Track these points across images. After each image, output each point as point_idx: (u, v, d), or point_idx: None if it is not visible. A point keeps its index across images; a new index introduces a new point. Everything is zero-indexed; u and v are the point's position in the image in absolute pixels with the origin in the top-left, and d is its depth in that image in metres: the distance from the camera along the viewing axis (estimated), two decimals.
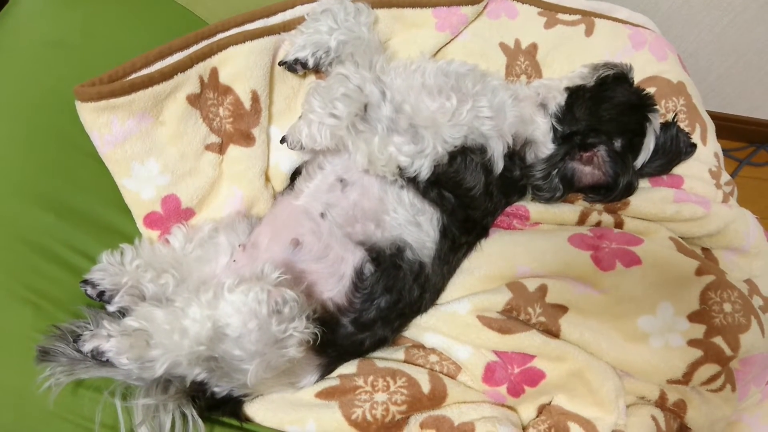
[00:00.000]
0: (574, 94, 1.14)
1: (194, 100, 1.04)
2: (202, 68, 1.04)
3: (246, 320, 0.85)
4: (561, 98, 1.14)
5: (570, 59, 1.28)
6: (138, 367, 0.85)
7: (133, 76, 0.99)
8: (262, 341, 0.86)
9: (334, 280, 0.99)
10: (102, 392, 0.91)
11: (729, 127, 2.01)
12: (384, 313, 1.01)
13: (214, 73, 1.06)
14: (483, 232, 1.11)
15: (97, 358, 0.85)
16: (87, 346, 0.85)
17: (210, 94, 1.06)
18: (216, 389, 0.94)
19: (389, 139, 0.95)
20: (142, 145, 1.00)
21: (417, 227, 1.01)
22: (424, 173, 0.97)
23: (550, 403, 1.09)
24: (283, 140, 1.04)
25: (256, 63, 1.06)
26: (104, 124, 0.97)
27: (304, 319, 0.89)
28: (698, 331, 1.05)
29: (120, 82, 0.97)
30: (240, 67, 1.05)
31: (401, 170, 0.97)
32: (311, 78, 1.15)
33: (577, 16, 1.32)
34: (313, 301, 0.97)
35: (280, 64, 1.10)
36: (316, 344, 0.93)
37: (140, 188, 1.02)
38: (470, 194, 1.03)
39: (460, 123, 0.99)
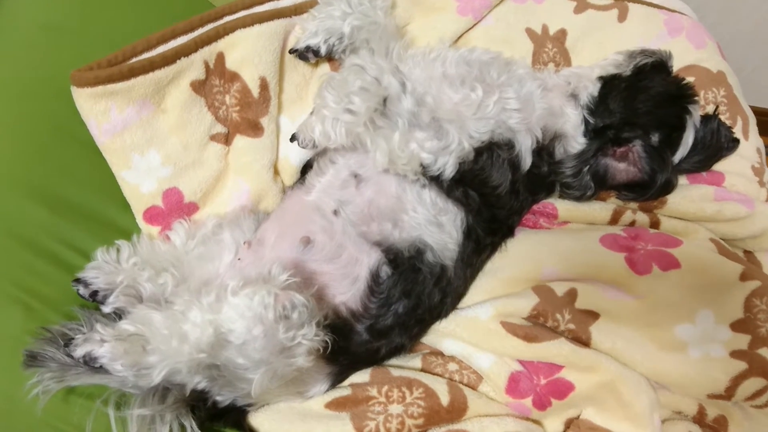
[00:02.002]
0: (608, 83, 1.05)
1: (199, 87, 0.98)
2: (208, 53, 0.98)
3: (251, 326, 0.79)
4: (593, 88, 1.06)
5: (601, 46, 1.20)
6: (133, 375, 0.80)
7: (134, 60, 0.93)
8: (267, 349, 0.80)
9: (347, 283, 0.92)
10: (94, 400, 0.84)
11: (764, 122, 1.91)
12: (402, 319, 0.94)
13: (220, 58, 0.99)
14: (509, 233, 1.04)
15: (90, 364, 0.80)
16: (79, 351, 0.79)
17: (216, 81, 0.99)
18: (218, 398, 0.87)
19: (411, 134, 0.87)
20: (143, 134, 0.94)
21: (438, 228, 0.94)
22: (449, 171, 0.90)
23: (579, 416, 1.01)
24: (293, 138, 0.97)
25: (266, 48, 0.99)
26: (102, 111, 0.91)
27: (314, 325, 0.82)
28: (742, 341, 0.97)
29: (119, 66, 0.91)
30: (248, 52, 0.99)
31: (424, 168, 0.89)
32: (324, 66, 1.08)
33: (609, 1, 1.24)
34: (325, 305, 0.90)
35: (291, 51, 1.03)
36: (327, 352, 0.86)
37: (140, 181, 0.96)
38: (496, 193, 0.96)
39: (486, 116, 0.92)
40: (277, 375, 0.82)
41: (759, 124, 1.29)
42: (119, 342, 0.78)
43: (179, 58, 0.94)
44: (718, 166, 1.16)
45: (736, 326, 0.97)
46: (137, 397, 0.84)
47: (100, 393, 0.85)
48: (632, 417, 0.96)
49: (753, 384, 0.96)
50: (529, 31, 1.19)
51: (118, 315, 0.89)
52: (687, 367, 0.97)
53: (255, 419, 0.92)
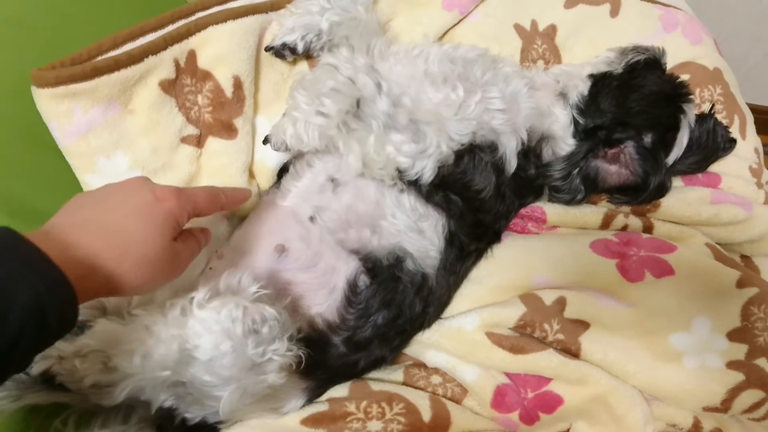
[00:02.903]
0: (599, 82, 1.01)
1: (169, 87, 0.93)
2: (178, 51, 0.93)
3: (218, 342, 0.73)
4: (584, 87, 1.01)
5: (593, 43, 1.15)
6: (94, 393, 0.75)
7: (99, 59, 0.88)
8: (237, 366, 0.75)
9: (324, 293, 0.88)
10: (54, 420, 0.80)
11: (764, 120, 1.88)
12: (381, 330, 0.89)
13: (191, 56, 0.94)
14: (495, 238, 0.99)
15: (48, 381, 0.75)
16: (36, 368, 0.74)
17: (187, 80, 0.95)
18: (187, 415, 0.82)
19: (387, 137, 0.83)
20: (109, 136, 0.89)
21: (419, 234, 0.89)
22: (427, 176, 0.85)
23: (568, 430, 0.98)
24: (266, 140, 0.93)
25: (240, 45, 0.94)
26: (65, 113, 0.86)
27: (286, 340, 0.77)
28: (739, 351, 0.93)
29: (81, 65, 0.86)
30: (221, 49, 0.94)
31: (401, 173, 0.85)
32: (303, 64, 1.03)
33: None
34: (299, 317, 0.85)
35: (267, 49, 0.99)
36: (302, 367, 0.81)
37: None
38: (479, 197, 0.91)
39: (467, 117, 0.87)
40: (248, 393, 0.78)
41: (757, 123, 1.25)
42: (79, 359, 0.74)
43: (147, 57, 0.89)
44: (715, 167, 1.11)
45: (734, 335, 0.93)
46: (99, 416, 0.79)
47: (60, 412, 0.80)
48: (625, 431, 0.92)
49: (751, 396, 0.92)
50: (518, 27, 1.14)
51: (80, 328, 0.85)
52: (682, 378, 0.93)
53: None
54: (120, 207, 0.64)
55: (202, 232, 0.77)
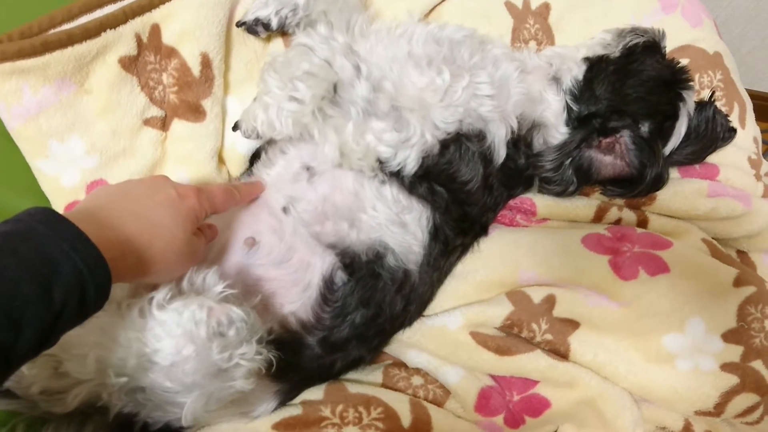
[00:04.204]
0: (595, 66, 0.94)
1: (129, 65, 0.85)
2: (140, 25, 0.85)
3: (180, 346, 0.68)
4: (578, 71, 0.95)
5: (588, 23, 1.08)
6: (44, 401, 0.69)
7: (51, 32, 0.80)
8: (200, 371, 0.69)
9: (297, 291, 0.82)
10: (1, 429, 0.74)
11: (759, 107, 1.83)
12: (359, 330, 0.84)
13: (155, 31, 0.86)
14: (482, 232, 0.94)
15: None
16: None
17: (150, 57, 0.87)
18: (149, 421, 0.76)
19: (366, 125, 0.77)
20: (62, 118, 0.82)
21: (401, 228, 0.83)
22: (410, 167, 0.80)
23: None
24: (235, 127, 0.86)
25: (208, 19, 0.86)
26: (12, 92, 0.78)
27: (255, 343, 0.71)
28: (734, 353, 0.89)
29: (30, 39, 0.78)
30: (188, 24, 0.86)
31: (381, 164, 0.79)
32: (278, 41, 0.96)
33: None
34: (270, 317, 0.80)
35: (238, 25, 0.91)
36: (273, 370, 0.75)
37: (60, 172, 0.84)
38: (466, 189, 0.85)
39: (454, 104, 0.81)
40: (213, 399, 0.72)
41: (754, 110, 1.19)
42: (27, 364, 0.67)
43: (105, 31, 0.81)
44: (713, 158, 1.06)
45: (729, 336, 0.89)
46: (50, 424, 0.73)
47: (8, 420, 0.74)
48: None
49: (745, 400, 0.88)
50: (509, 5, 1.07)
51: None
52: (674, 381, 0.89)
53: None
54: (146, 198, 0.67)
55: (209, 227, 0.79)
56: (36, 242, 0.51)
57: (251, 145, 0.93)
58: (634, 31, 0.97)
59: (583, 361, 0.90)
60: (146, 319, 0.69)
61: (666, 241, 0.95)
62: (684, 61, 1.05)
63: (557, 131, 0.93)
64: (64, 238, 0.53)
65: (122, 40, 0.83)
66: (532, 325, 0.89)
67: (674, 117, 0.94)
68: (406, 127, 0.77)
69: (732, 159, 1.07)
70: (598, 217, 1.00)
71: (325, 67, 0.75)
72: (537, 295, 0.91)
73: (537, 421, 0.90)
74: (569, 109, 0.93)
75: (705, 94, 1.07)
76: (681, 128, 0.96)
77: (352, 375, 0.91)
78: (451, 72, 0.81)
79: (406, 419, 0.84)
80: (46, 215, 0.55)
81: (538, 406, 0.90)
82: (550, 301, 0.90)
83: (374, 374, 0.92)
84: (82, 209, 0.62)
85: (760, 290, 0.92)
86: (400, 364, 0.94)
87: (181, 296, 0.71)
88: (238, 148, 0.93)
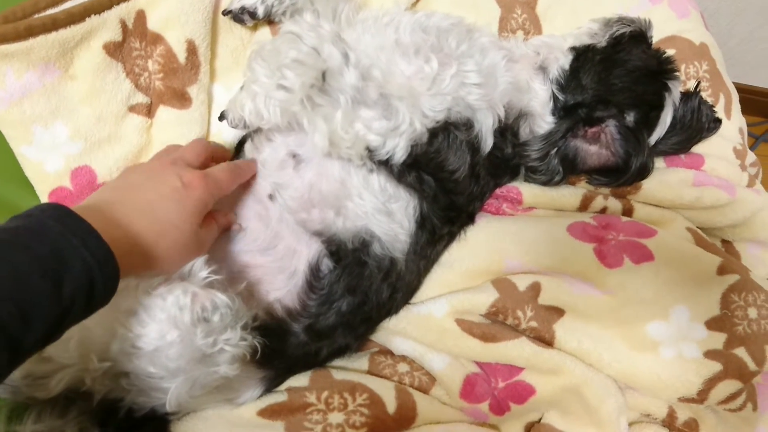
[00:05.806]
0: (582, 55, 0.95)
1: (114, 51, 0.84)
2: (125, 10, 0.84)
3: (164, 331, 0.67)
4: (565, 60, 0.95)
5: (575, 13, 1.09)
6: (26, 386, 0.69)
7: (35, 17, 0.79)
8: (184, 357, 0.68)
9: (283, 278, 0.82)
10: None
11: (746, 100, 1.83)
12: (346, 318, 0.84)
13: (140, 17, 0.86)
14: (468, 221, 0.94)
15: None
16: None
17: (135, 44, 0.86)
18: (134, 406, 0.76)
19: (355, 113, 0.76)
20: (47, 103, 0.81)
21: (388, 216, 0.83)
22: (399, 155, 0.79)
23: (540, 420, 0.93)
24: (222, 116, 0.86)
25: (194, 6, 0.86)
26: None
27: (239, 329, 0.71)
28: (717, 340, 0.89)
29: (14, 24, 0.77)
30: (173, 10, 0.85)
31: (370, 152, 0.79)
32: (265, 29, 0.96)
33: None
34: (255, 304, 0.79)
35: (224, 13, 0.91)
36: (258, 356, 0.75)
37: (44, 158, 0.83)
38: (453, 177, 0.85)
39: (442, 92, 0.81)
40: (198, 384, 0.72)
41: (741, 102, 1.20)
42: None
43: (89, 16, 0.80)
44: (698, 148, 1.07)
45: (712, 324, 0.90)
46: (32, 409, 0.73)
47: None
48: (597, 422, 0.89)
49: (727, 387, 0.88)
50: None
51: None
52: (658, 369, 0.89)
53: (179, 428, 0.81)
54: (152, 192, 0.68)
55: (224, 216, 0.80)
56: (47, 238, 0.52)
57: (237, 132, 0.92)
58: (621, 20, 0.97)
59: (567, 349, 0.90)
60: (130, 303, 0.69)
61: (651, 229, 0.95)
62: (670, 52, 1.05)
63: (543, 121, 0.94)
64: (75, 233, 0.53)
65: (107, 26, 0.82)
66: (517, 312, 0.89)
67: (660, 107, 0.95)
68: (395, 116, 0.77)
69: (717, 149, 1.08)
70: (584, 206, 1.01)
71: (313, 55, 0.75)
72: (522, 283, 0.91)
73: (522, 408, 0.91)
74: (555, 99, 0.94)
75: (691, 85, 1.07)
76: (666, 118, 0.96)
77: (337, 362, 0.91)
78: (439, 60, 0.81)
79: (391, 405, 0.84)
80: (57, 211, 0.55)
81: (523, 393, 0.90)
82: (535, 289, 0.91)
83: (360, 361, 0.92)
84: (90, 205, 0.63)
85: (743, 278, 0.92)
86: (386, 352, 0.94)
87: (166, 282, 0.71)
88: (224, 135, 0.93)
